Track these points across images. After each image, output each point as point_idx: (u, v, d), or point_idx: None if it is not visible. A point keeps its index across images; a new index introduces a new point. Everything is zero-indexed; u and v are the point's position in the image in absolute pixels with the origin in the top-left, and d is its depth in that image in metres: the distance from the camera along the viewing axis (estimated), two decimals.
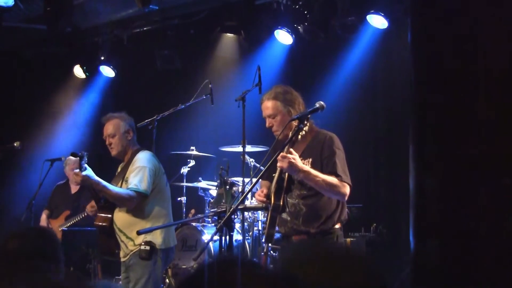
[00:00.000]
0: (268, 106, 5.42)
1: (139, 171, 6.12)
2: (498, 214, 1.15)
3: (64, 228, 8.47)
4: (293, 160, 4.98)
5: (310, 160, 5.22)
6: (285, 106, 5.36)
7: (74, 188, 8.99)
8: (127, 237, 6.12)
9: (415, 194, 1.29)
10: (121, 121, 6.34)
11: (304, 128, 4.96)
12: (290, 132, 5.08)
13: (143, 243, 5.95)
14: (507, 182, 1.15)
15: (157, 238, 6.07)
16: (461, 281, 1.18)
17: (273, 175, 5.29)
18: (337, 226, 5.27)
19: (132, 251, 6.10)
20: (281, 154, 5.00)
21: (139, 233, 5.46)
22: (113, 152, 6.40)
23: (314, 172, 5.07)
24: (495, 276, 1.15)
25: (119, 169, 6.55)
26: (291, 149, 5.05)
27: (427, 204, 1.26)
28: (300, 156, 5.19)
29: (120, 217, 6.20)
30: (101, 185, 6.02)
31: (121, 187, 6.21)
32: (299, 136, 4.98)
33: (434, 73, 1.29)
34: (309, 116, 5.06)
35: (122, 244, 6.20)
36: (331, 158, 5.19)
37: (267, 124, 5.46)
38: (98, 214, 6.38)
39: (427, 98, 1.30)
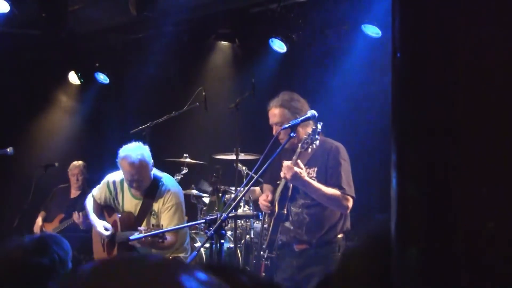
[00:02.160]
0: (276, 113, 5.42)
1: (176, 209, 5.99)
2: (477, 222, 1.18)
3: (57, 232, 8.46)
4: (298, 173, 4.97)
5: (316, 169, 5.24)
6: (293, 114, 5.33)
7: (74, 193, 8.99)
8: None
9: (396, 202, 1.31)
10: (146, 159, 5.97)
11: (315, 142, 4.95)
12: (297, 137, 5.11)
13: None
14: (484, 191, 1.18)
15: (186, 253, 6.08)
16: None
17: (278, 182, 5.29)
18: (340, 236, 5.28)
19: None
20: (287, 165, 5.01)
21: (130, 240, 5.40)
22: (140, 189, 6.11)
23: (317, 185, 5.08)
24: (475, 283, 1.18)
25: (121, 187, 6.32)
26: (299, 161, 5.04)
27: (408, 211, 1.28)
28: (305, 165, 5.19)
29: None
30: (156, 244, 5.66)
31: (150, 219, 6.06)
32: (309, 149, 4.98)
33: (413, 81, 1.31)
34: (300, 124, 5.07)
35: None
36: (336, 169, 5.20)
37: (274, 132, 5.42)
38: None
39: (408, 105, 1.32)
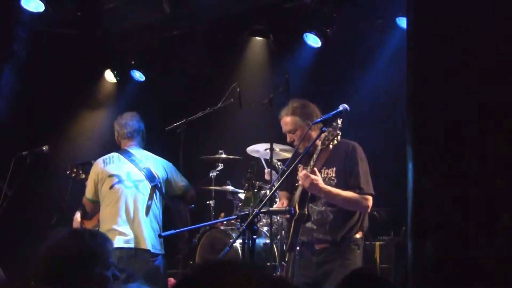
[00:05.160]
0: (287, 121, 5.48)
1: None
2: (491, 214, 1.15)
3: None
4: (315, 181, 4.98)
5: (334, 169, 5.25)
6: (304, 120, 5.41)
7: None
8: None
9: (412, 194, 1.29)
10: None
11: (337, 138, 4.96)
12: (311, 141, 5.10)
13: None
14: (499, 182, 1.15)
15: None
16: (458, 282, 1.18)
17: (296, 184, 5.28)
18: (358, 235, 5.28)
19: None
20: (304, 173, 5.02)
21: (160, 236, 5.42)
22: None
23: (335, 190, 5.10)
24: (491, 276, 1.15)
25: None
26: (315, 169, 5.05)
27: (424, 204, 1.26)
28: (323, 166, 5.24)
29: None
30: None
31: None
32: (330, 145, 4.98)
33: (429, 72, 1.29)
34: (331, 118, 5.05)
35: None
36: (353, 169, 5.22)
37: (288, 139, 5.54)
38: None
39: (423, 98, 1.30)
